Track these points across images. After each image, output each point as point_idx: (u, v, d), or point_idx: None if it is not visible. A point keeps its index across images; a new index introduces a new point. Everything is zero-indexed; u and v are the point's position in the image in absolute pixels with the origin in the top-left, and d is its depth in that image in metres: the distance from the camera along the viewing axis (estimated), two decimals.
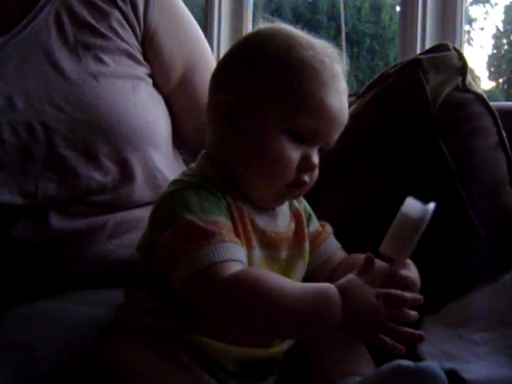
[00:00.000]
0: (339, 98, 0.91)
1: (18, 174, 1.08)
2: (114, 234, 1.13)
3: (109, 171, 1.12)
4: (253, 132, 0.90)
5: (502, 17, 2.57)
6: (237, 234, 0.88)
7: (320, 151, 0.94)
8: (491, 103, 1.27)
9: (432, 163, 1.20)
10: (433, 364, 0.81)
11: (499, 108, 1.27)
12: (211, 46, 2.08)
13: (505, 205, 1.19)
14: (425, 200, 1.16)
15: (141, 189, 1.16)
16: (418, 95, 1.21)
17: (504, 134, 1.23)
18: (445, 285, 1.12)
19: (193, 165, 0.98)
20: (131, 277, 0.99)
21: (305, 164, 0.91)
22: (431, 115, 1.20)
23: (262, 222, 0.93)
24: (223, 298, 0.81)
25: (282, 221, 0.98)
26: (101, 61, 1.14)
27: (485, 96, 1.25)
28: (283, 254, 0.96)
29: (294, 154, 0.90)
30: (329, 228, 1.07)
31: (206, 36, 2.09)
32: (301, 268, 0.99)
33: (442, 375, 0.80)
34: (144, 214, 1.15)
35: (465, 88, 1.23)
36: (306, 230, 1.01)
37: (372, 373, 0.86)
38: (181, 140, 1.31)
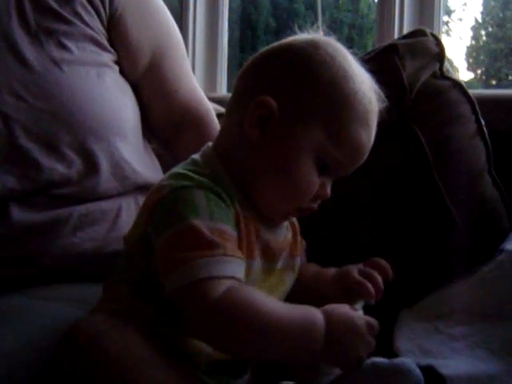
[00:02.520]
0: (371, 138, 0.90)
1: None
2: (78, 227, 1.09)
3: (72, 163, 1.08)
4: (285, 147, 0.86)
5: (481, 8, 2.57)
6: (240, 245, 0.85)
7: None
8: (469, 91, 1.24)
9: (408, 152, 1.17)
10: (407, 360, 0.80)
11: (477, 96, 1.25)
12: (187, 34, 2.07)
13: (483, 194, 1.17)
14: (402, 190, 1.15)
15: (107, 180, 1.12)
16: (394, 82, 1.18)
17: (482, 122, 1.20)
18: (422, 277, 1.10)
19: (196, 156, 0.92)
20: (99, 270, 0.97)
21: (321, 192, 0.89)
22: (408, 102, 1.18)
23: (266, 233, 0.90)
24: (206, 318, 0.78)
25: (282, 231, 0.95)
26: (64, 47, 1.09)
27: (463, 83, 1.23)
28: (279, 264, 0.93)
29: (317, 182, 0.87)
30: (303, 243, 1.04)
31: (182, 24, 2.07)
32: (291, 280, 0.97)
33: (417, 371, 0.78)
34: (110, 206, 1.14)
35: (442, 75, 1.21)
36: (299, 244, 0.99)
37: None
38: (150, 129, 1.28)
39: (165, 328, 0.84)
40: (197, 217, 0.80)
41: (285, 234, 0.96)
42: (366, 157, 0.91)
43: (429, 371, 0.87)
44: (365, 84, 0.89)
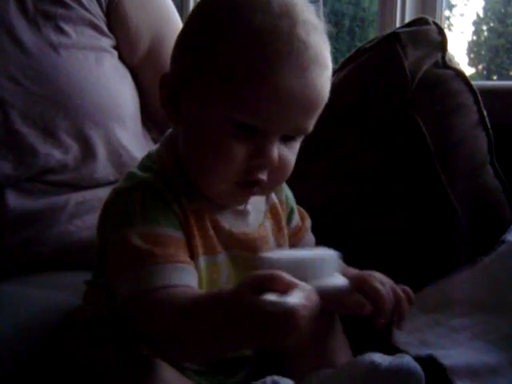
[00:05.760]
0: (301, 74, 0.73)
1: None
2: (75, 215, 1.09)
3: (69, 148, 1.07)
4: (194, 120, 0.78)
5: (483, 3, 2.55)
6: (193, 242, 0.79)
7: (292, 138, 0.79)
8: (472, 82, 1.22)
9: (410, 142, 1.15)
10: (407, 359, 0.76)
11: (479, 87, 1.23)
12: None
13: (485, 185, 1.16)
14: (403, 181, 1.13)
15: (104, 167, 1.12)
16: (396, 71, 1.16)
17: (485, 112, 1.19)
18: (422, 268, 1.09)
19: (154, 148, 0.87)
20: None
21: (258, 159, 0.76)
22: (409, 92, 1.15)
23: (227, 222, 0.83)
24: (144, 329, 0.73)
25: (254, 218, 0.87)
26: (62, 31, 1.08)
27: (465, 73, 1.21)
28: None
29: (239, 148, 0.75)
30: (307, 222, 0.98)
31: (183, 16, 2.04)
32: None
33: (418, 369, 0.75)
34: (107, 193, 1.11)
35: (445, 64, 1.19)
36: (285, 230, 0.91)
37: (344, 368, 0.82)
38: (150, 118, 1.27)
39: None
40: (130, 224, 0.75)
41: (260, 221, 0.88)
42: (312, 97, 0.75)
43: (430, 362, 0.86)
44: (264, 11, 0.73)
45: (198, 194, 0.81)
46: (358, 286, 0.80)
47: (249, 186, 0.79)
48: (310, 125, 0.79)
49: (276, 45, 0.72)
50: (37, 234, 1.06)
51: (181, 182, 0.80)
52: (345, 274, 0.85)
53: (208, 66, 0.75)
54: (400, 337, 0.99)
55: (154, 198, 0.77)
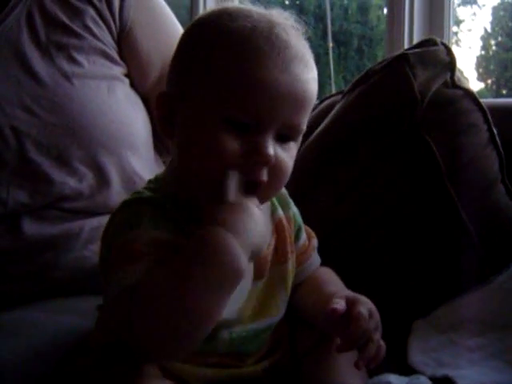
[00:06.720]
0: (285, 68, 0.75)
1: None
2: (90, 240, 1.09)
3: (83, 177, 1.09)
4: (189, 126, 0.79)
5: (490, 18, 2.57)
6: None
7: (287, 139, 0.80)
8: (481, 100, 1.23)
9: (421, 162, 1.16)
10: (423, 380, 0.77)
11: (489, 105, 1.23)
12: None
13: (496, 203, 1.16)
14: (415, 201, 1.14)
15: (118, 194, 1.12)
16: (406, 92, 1.17)
17: (495, 131, 1.19)
18: (436, 287, 1.09)
19: (161, 172, 0.89)
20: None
21: (253, 156, 0.76)
22: (419, 112, 1.16)
23: None
24: (136, 325, 0.70)
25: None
26: (74, 61, 1.10)
27: (474, 92, 1.21)
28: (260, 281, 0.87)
29: (233, 143, 0.75)
30: (314, 241, 0.98)
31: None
32: (283, 297, 0.89)
33: None
34: None
35: (454, 84, 1.19)
36: (289, 248, 0.90)
37: None
38: (162, 142, 1.27)
39: None
40: (131, 231, 0.76)
41: (268, 242, 0.85)
42: (298, 92, 0.77)
43: (445, 382, 0.86)
44: (245, 18, 0.77)
45: (197, 213, 0.78)
46: (348, 303, 0.81)
47: (251, 188, 0.77)
48: (301, 122, 0.80)
49: (257, 41, 0.75)
50: (53, 259, 1.07)
51: (182, 203, 0.80)
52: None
53: (197, 71, 0.79)
54: (416, 357, 0.99)
55: (156, 211, 0.78)
